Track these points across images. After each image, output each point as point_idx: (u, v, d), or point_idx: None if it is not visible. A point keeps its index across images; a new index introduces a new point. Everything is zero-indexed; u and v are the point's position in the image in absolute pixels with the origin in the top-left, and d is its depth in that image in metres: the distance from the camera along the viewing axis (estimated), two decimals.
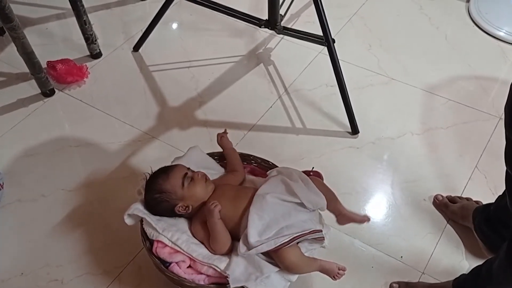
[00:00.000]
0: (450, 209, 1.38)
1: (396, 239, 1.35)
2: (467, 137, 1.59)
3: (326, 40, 1.49)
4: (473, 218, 1.32)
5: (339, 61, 1.52)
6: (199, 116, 1.67)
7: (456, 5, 2.07)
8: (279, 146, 1.58)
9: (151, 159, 1.53)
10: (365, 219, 1.16)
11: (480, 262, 1.26)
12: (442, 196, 1.42)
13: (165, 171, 1.16)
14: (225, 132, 1.33)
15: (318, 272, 1.12)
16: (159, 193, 1.14)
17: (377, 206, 1.43)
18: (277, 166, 1.30)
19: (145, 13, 2.03)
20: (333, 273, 1.12)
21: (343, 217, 1.17)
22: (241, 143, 1.58)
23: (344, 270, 1.12)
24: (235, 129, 1.63)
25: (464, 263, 1.31)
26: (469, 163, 1.51)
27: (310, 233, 1.09)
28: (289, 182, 1.14)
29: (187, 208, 1.15)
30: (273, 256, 1.09)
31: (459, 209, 1.36)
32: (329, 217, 1.20)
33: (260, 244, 1.06)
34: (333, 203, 1.17)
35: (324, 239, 1.13)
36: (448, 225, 1.37)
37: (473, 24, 1.99)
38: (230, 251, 1.12)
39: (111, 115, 1.67)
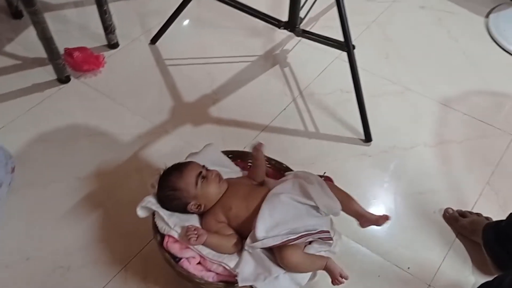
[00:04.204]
0: (460, 223, 1.38)
1: (404, 250, 1.34)
2: (480, 152, 1.59)
3: (346, 45, 1.48)
4: (483, 234, 1.31)
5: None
6: (213, 114, 1.67)
7: (475, 20, 2.07)
8: (291, 148, 1.58)
9: (162, 153, 1.53)
10: (383, 219, 1.13)
11: (487, 278, 1.26)
12: (452, 209, 1.41)
13: (179, 169, 1.15)
14: (260, 145, 1.25)
15: (327, 279, 1.12)
16: (172, 190, 1.13)
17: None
18: (290, 168, 1.30)
19: (163, 6, 2.03)
20: (334, 276, 1.10)
21: (363, 218, 1.16)
22: (253, 143, 1.58)
23: (345, 279, 1.11)
24: (248, 129, 1.62)
25: (471, 278, 1.30)
26: (480, 179, 1.51)
27: (317, 233, 1.09)
28: (306, 185, 1.14)
29: (199, 207, 1.15)
30: (275, 255, 1.09)
31: (469, 224, 1.36)
32: (341, 224, 1.20)
33: (266, 239, 1.06)
34: (351, 206, 1.16)
35: (331, 240, 1.12)
36: (457, 239, 1.37)
37: (491, 40, 1.99)
38: (241, 250, 1.12)
39: (125, 106, 1.67)
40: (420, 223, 1.41)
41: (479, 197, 1.46)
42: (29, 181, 1.45)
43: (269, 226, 1.09)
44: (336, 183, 1.40)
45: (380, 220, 1.13)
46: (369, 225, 1.16)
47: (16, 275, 1.26)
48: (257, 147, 1.25)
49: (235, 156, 1.34)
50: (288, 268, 1.08)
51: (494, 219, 1.35)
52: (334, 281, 1.11)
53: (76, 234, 1.34)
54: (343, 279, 1.11)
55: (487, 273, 1.30)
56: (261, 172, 1.26)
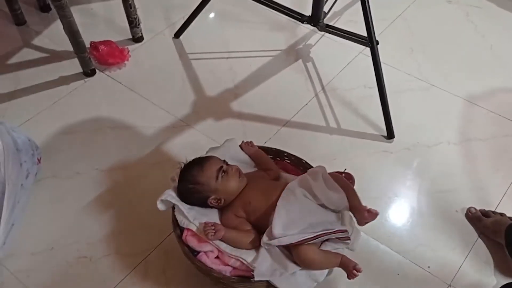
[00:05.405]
0: (483, 223, 1.35)
1: (425, 249, 1.33)
2: (505, 151, 1.56)
3: (370, 41, 1.47)
4: (506, 235, 1.29)
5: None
6: (234, 108, 1.68)
7: (504, 15, 2.02)
8: (311, 144, 1.58)
9: (183, 146, 1.55)
10: (371, 214, 1.10)
11: (509, 279, 1.25)
12: (475, 209, 1.39)
13: (200, 163, 1.17)
14: (243, 145, 1.32)
15: (344, 276, 1.12)
16: (192, 184, 1.15)
17: (408, 214, 1.41)
18: (310, 164, 1.30)
19: (187, 0, 2.04)
20: (349, 270, 1.10)
21: (355, 210, 1.13)
22: (274, 138, 1.58)
23: (359, 272, 1.10)
24: (269, 124, 1.63)
25: (492, 279, 1.28)
26: (505, 178, 1.48)
27: (334, 232, 1.09)
28: (311, 183, 1.14)
29: (219, 201, 1.16)
30: (292, 252, 1.09)
31: (491, 224, 1.34)
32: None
33: (283, 237, 1.07)
34: (351, 201, 1.14)
35: (349, 239, 1.12)
36: (479, 239, 1.35)
37: None
38: (259, 245, 1.12)
39: (148, 100, 1.69)
40: (442, 222, 1.39)
41: (503, 196, 1.44)
42: (54, 172, 1.49)
43: (286, 223, 1.10)
44: (356, 180, 1.40)
45: (368, 216, 1.10)
46: (363, 221, 1.12)
47: (41, 263, 1.30)
48: (244, 148, 1.31)
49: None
50: (303, 265, 1.08)
51: None
52: (350, 275, 1.10)
53: (99, 225, 1.37)
54: (358, 272, 1.10)
55: (509, 275, 1.28)
56: (263, 163, 1.28)
